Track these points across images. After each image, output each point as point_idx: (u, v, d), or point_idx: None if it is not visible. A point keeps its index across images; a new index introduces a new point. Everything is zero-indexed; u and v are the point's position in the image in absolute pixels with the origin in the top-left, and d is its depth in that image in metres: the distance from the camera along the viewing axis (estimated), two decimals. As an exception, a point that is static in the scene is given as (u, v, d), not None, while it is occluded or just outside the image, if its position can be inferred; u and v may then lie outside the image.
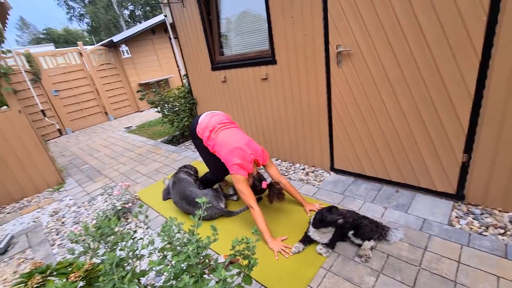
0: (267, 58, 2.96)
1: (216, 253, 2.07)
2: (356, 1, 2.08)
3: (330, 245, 1.89)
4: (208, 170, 2.83)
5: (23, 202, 3.58)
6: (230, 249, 1.16)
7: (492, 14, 1.61)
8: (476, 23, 1.67)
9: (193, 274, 0.89)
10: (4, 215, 3.34)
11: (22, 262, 2.41)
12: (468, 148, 1.96)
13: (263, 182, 2.30)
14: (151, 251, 1.08)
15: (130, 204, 2.87)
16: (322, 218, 1.82)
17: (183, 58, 4.33)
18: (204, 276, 1.05)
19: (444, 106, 1.96)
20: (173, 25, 4.27)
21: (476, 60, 1.73)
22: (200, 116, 2.59)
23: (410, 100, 2.10)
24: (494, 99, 1.75)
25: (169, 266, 0.93)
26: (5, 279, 2.22)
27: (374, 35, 2.09)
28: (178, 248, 1.04)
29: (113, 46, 7.97)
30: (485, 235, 1.80)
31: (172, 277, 0.92)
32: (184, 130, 5.01)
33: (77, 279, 1.23)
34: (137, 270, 1.23)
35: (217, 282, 0.86)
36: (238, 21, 3.36)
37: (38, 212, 3.26)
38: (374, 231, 1.87)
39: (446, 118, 1.98)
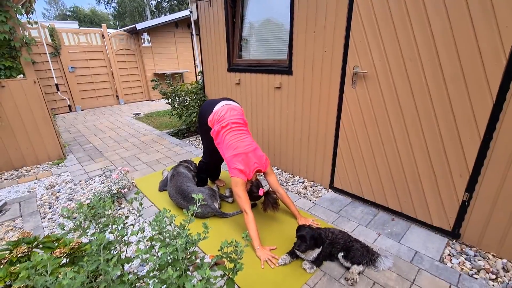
0: (284, 68, 2.98)
1: (203, 252, 2.06)
2: (379, 27, 2.10)
3: (316, 262, 1.87)
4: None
5: (22, 171, 3.62)
6: (218, 250, 1.16)
7: (512, 59, 1.61)
8: (495, 65, 1.67)
9: (178, 268, 0.88)
10: (1, 180, 3.37)
11: (11, 230, 2.42)
12: (470, 187, 1.94)
13: (260, 189, 2.29)
14: (140, 239, 1.08)
15: (126, 190, 2.88)
16: (298, 229, 1.94)
17: (201, 55, 4.38)
18: (188, 272, 1.05)
19: (452, 142, 1.95)
20: (196, 22, 4.34)
21: (490, 102, 1.73)
22: (215, 104, 2.48)
23: (419, 131, 2.09)
24: (504, 143, 1.74)
25: (155, 257, 0.93)
26: (-9, 244, 2.23)
27: (392, 62, 2.11)
28: (167, 240, 1.04)
29: (135, 33, 8.11)
30: (476, 278, 1.77)
31: (156, 268, 0.92)
32: (190, 125, 5.04)
33: (61, 255, 1.23)
34: (123, 256, 1.23)
35: (200, 281, 0.86)
36: (260, 27, 3.41)
37: (34, 183, 3.28)
38: (364, 256, 1.85)
39: (452, 154, 1.97)
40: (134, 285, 1.03)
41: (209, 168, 2.91)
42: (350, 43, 2.31)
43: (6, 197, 2.96)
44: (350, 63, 2.36)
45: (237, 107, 2.50)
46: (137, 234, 1.03)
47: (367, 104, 2.34)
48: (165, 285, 0.91)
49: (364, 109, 2.38)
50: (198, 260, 1.03)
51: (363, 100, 2.36)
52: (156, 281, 0.87)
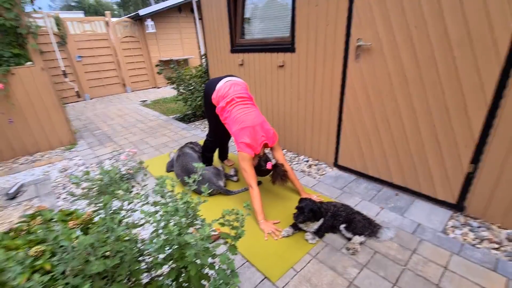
0: (286, 45, 2.94)
1: (209, 226, 2.13)
2: (384, -5, 2.03)
3: (318, 233, 1.92)
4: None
5: (36, 156, 3.76)
6: (220, 217, 1.20)
7: (522, 22, 1.55)
8: (503, 30, 1.61)
9: (179, 226, 0.93)
10: (17, 165, 3.52)
11: (29, 208, 2.55)
12: (476, 158, 1.91)
13: (268, 162, 2.30)
14: (144, 204, 1.13)
15: (134, 171, 2.96)
16: (299, 201, 1.98)
17: (204, 38, 4.35)
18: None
19: (458, 112, 1.91)
20: (199, 5, 4.28)
21: (497, 68, 1.67)
22: (218, 81, 2.47)
23: (424, 103, 2.05)
24: (511, 111, 1.70)
25: (157, 217, 0.98)
26: (11, 221, 2.37)
27: (397, 32, 2.05)
28: (171, 205, 1.08)
29: (138, 20, 8.06)
30: (478, 247, 1.78)
31: (160, 226, 0.97)
32: (196, 110, 5.07)
33: (75, 226, 1.31)
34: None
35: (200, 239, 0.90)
36: (263, 6, 3.34)
37: (48, 167, 3.42)
38: (366, 227, 1.88)
39: (458, 124, 1.93)
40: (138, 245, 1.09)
41: (214, 146, 2.94)
42: (354, 14, 2.25)
43: (22, 180, 3.10)
44: (353, 35, 2.31)
45: (240, 82, 2.48)
46: (141, 198, 1.08)
47: (372, 77, 2.30)
48: (167, 246, 0.97)
49: (368, 83, 2.34)
50: (199, 222, 1.08)
51: (367, 73, 2.32)
52: (160, 238, 0.92)
